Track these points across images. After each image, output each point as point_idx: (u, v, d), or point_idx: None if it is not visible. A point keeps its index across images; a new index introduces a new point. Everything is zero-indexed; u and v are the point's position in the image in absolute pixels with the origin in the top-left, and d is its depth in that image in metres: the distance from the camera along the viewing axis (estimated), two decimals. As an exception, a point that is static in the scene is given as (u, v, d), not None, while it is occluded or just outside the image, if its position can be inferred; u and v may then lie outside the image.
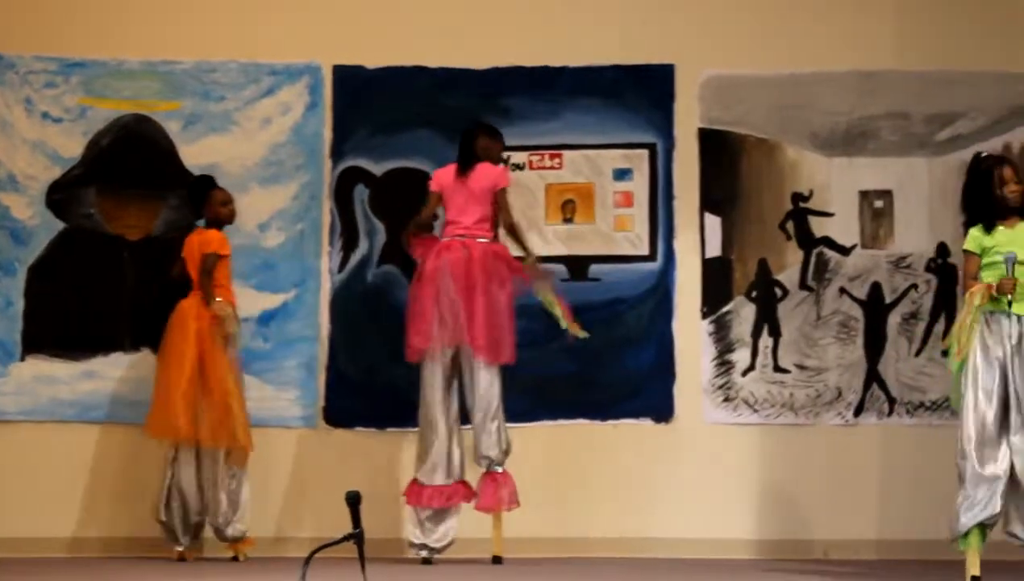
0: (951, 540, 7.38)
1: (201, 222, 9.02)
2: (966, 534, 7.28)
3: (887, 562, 8.86)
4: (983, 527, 7.28)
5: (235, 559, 8.76)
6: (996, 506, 7.23)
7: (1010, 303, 7.28)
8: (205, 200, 8.95)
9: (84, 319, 9.40)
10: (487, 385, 8.47)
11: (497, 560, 8.52)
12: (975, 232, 7.45)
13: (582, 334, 8.75)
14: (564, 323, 8.72)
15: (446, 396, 8.51)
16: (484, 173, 8.62)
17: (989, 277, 7.37)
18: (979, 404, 7.30)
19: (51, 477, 9.24)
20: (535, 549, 8.77)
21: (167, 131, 9.50)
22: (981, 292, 7.32)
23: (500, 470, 8.50)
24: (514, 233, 8.70)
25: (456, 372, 8.54)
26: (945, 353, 8.10)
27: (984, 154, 7.75)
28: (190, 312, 8.75)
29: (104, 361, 9.35)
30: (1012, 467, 7.26)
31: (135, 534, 9.12)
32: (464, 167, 8.62)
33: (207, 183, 9.01)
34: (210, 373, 8.68)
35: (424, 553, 8.49)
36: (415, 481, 8.54)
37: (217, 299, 8.76)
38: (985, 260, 7.40)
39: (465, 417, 8.58)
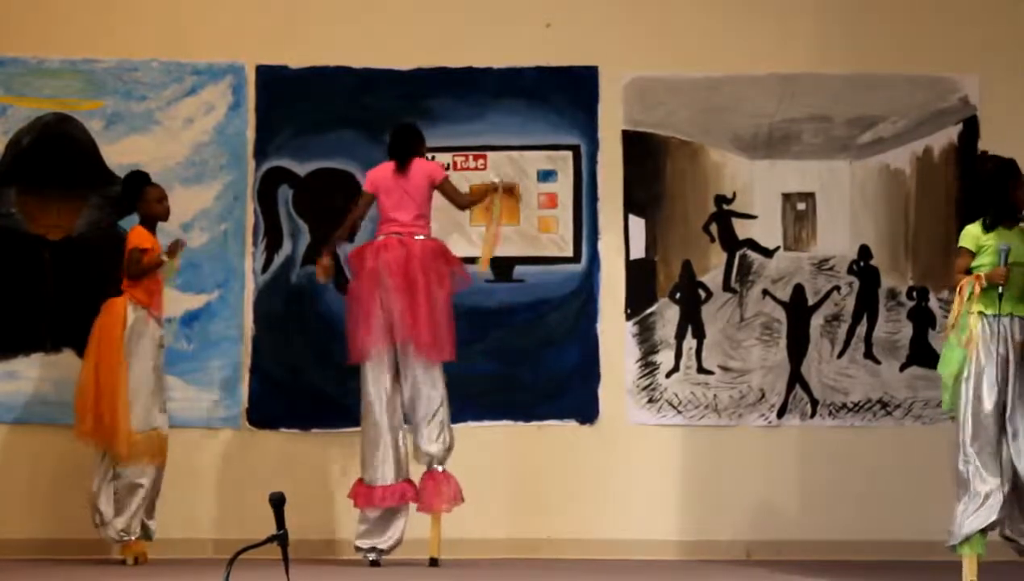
0: (949, 545, 7.31)
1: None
2: (965, 539, 7.21)
3: (809, 562, 8.90)
4: (983, 533, 7.21)
5: (123, 563, 8.58)
6: (998, 511, 7.18)
7: (1000, 296, 7.19)
8: (139, 196, 8.81)
9: (4, 319, 9.31)
10: (430, 382, 8.46)
11: (434, 562, 8.44)
12: (973, 229, 7.39)
13: (483, 267, 8.90)
14: (481, 256, 8.86)
15: (390, 395, 8.48)
16: (419, 169, 8.63)
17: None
18: (982, 406, 7.23)
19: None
20: (460, 551, 8.75)
21: (89, 130, 9.42)
22: (971, 283, 7.26)
23: (441, 469, 8.48)
24: (473, 202, 8.88)
25: (396, 371, 8.51)
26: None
27: (991, 154, 7.71)
28: (119, 311, 8.60)
29: (25, 361, 9.27)
30: (1014, 470, 7.22)
31: (61, 536, 9.05)
32: (403, 163, 8.61)
33: (141, 179, 8.85)
34: (105, 373, 8.54)
35: (372, 556, 8.44)
36: (361, 482, 8.49)
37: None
38: (978, 260, 7.34)
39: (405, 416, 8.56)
